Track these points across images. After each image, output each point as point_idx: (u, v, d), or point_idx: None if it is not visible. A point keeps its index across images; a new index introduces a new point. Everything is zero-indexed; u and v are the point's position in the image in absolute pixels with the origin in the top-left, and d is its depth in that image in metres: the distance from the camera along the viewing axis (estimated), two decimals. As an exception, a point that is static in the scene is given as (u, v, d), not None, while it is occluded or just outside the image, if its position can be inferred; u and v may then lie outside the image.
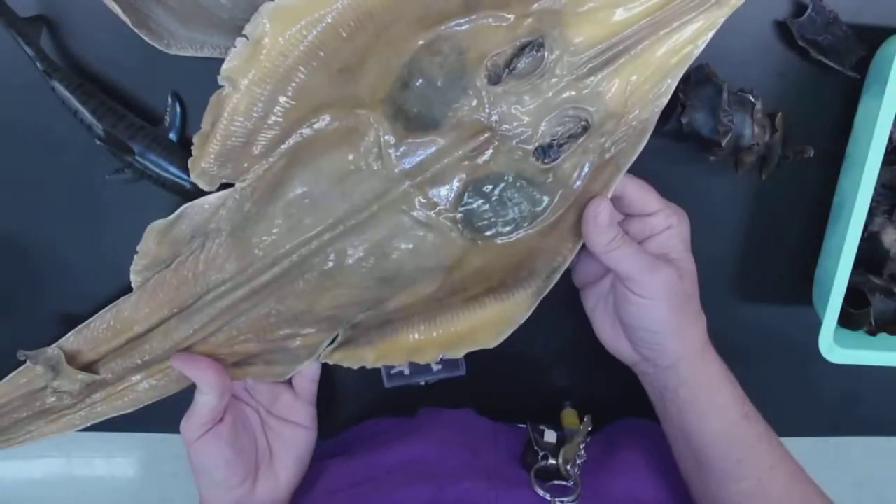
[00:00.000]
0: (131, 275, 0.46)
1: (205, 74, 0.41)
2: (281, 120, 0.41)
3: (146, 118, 0.47)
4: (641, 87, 0.41)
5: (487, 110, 0.41)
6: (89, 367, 0.47)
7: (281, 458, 0.50)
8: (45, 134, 0.49)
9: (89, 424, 0.50)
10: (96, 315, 0.47)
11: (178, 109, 0.48)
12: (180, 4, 0.42)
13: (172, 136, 0.48)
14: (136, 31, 0.41)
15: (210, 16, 0.42)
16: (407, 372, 0.54)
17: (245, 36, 0.39)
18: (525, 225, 0.44)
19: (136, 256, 0.45)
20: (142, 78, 0.47)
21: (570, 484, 0.48)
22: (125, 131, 0.46)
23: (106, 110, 0.45)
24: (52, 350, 0.46)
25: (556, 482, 0.48)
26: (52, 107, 0.45)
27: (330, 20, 0.38)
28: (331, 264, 0.44)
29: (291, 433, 0.51)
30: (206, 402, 0.45)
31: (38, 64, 0.44)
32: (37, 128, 0.49)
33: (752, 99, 0.48)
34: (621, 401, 0.56)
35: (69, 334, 0.47)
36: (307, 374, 0.51)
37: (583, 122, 0.42)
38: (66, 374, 0.46)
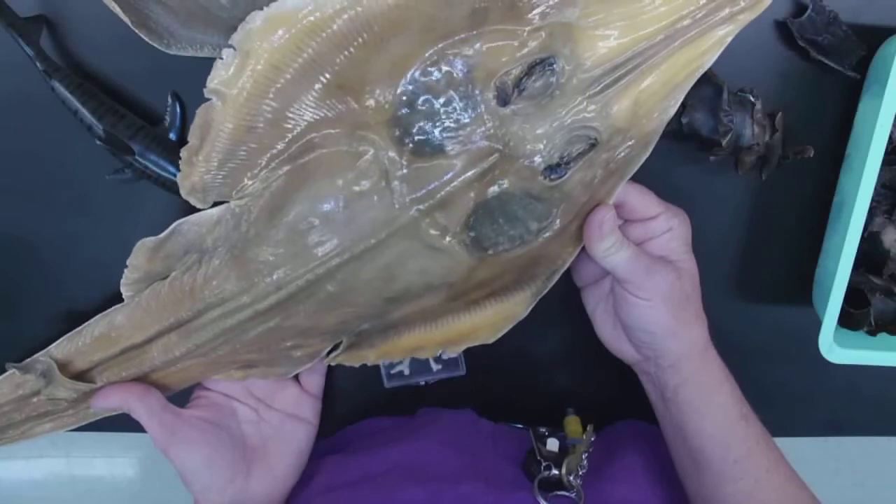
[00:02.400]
0: (122, 287, 0.45)
1: (205, 74, 0.41)
2: (275, 138, 0.39)
3: (146, 118, 0.47)
4: (650, 101, 0.40)
5: (495, 132, 0.39)
6: (82, 375, 0.46)
7: (278, 453, 0.50)
8: (45, 134, 0.49)
9: (86, 423, 0.49)
10: (87, 323, 0.46)
11: (178, 109, 0.48)
12: (180, 4, 0.42)
13: (172, 136, 0.47)
14: (136, 30, 0.41)
15: (210, 16, 0.42)
16: (407, 372, 0.54)
17: (232, 46, 0.37)
18: (531, 239, 0.43)
19: (126, 270, 0.44)
20: (142, 78, 0.47)
21: (572, 495, 0.48)
22: (125, 131, 0.46)
23: (106, 110, 0.45)
24: (43, 359, 0.45)
25: (558, 493, 0.48)
26: (52, 107, 0.45)
27: (327, 32, 0.36)
28: (338, 288, 0.43)
29: (292, 428, 0.51)
30: (137, 416, 0.45)
31: (38, 64, 0.44)
32: (37, 128, 0.48)
33: (752, 99, 0.48)
34: (621, 402, 0.56)
35: (61, 340, 0.46)
36: (314, 369, 0.51)
37: (591, 141, 0.40)
38: (59, 382, 0.45)
